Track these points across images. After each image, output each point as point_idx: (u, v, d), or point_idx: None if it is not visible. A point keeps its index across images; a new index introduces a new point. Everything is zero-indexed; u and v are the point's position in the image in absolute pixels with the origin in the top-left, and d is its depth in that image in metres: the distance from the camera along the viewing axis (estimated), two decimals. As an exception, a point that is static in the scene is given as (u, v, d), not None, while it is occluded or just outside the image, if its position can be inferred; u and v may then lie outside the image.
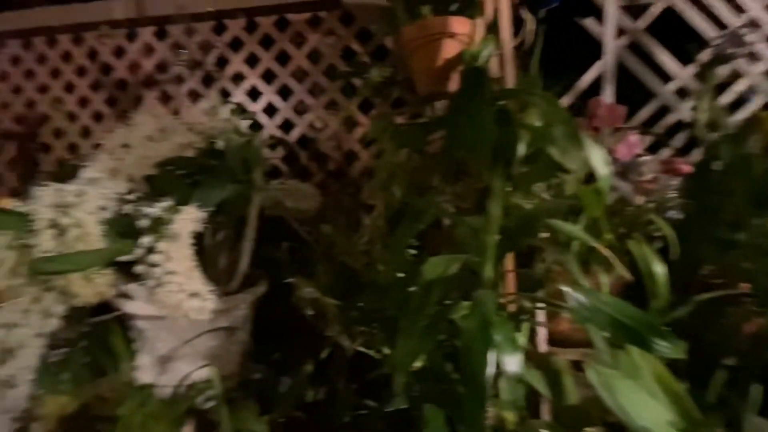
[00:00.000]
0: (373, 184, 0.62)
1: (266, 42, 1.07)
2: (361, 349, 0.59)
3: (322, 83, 1.06)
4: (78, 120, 1.19)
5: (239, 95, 1.10)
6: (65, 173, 0.86)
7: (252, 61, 1.09)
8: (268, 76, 1.09)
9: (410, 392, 0.44)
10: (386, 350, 0.57)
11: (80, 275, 0.46)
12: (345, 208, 1.02)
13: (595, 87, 0.91)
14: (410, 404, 0.46)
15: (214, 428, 0.79)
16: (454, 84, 0.58)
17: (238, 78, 1.11)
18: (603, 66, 0.86)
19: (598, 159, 0.42)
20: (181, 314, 0.46)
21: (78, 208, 0.47)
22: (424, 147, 0.61)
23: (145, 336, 0.72)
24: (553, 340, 0.63)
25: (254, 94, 1.10)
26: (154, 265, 0.46)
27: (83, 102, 1.19)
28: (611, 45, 0.86)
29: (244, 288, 0.77)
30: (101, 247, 0.47)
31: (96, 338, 0.77)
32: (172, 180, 0.60)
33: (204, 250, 0.67)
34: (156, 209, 0.50)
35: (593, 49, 0.90)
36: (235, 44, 1.09)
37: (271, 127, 1.10)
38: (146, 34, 1.12)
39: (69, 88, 1.19)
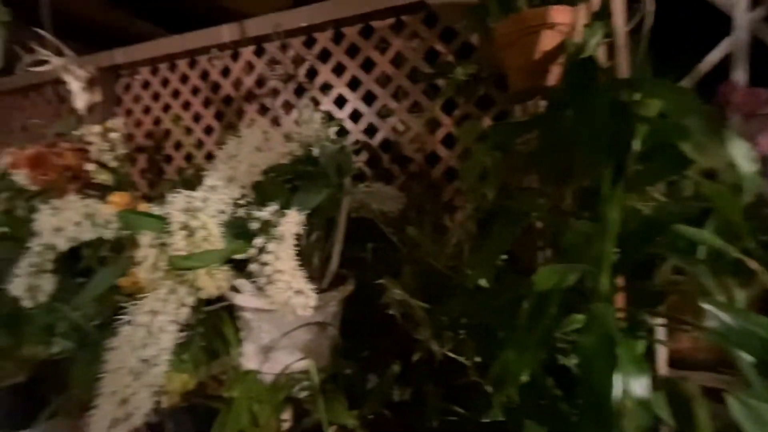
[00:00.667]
0: (461, 185, 0.61)
1: (352, 51, 1.12)
2: (450, 354, 0.59)
3: (405, 87, 1.07)
4: (193, 133, 1.36)
5: (327, 103, 1.16)
6: (186, 181, 0.99)
7: (339, 70, 1.14)
8: (354, 84, 1.13)
9: (508, 405, 0.42)
10: (477, 358, 0.56)
11: (205, 271, 0.53)
12: (428, 210, 1.02)
13: (719, 70, 0.79)
14: (507, 418, 0.44)
15: (308, 416, 0.85)
16: (553, 78, 0.55)
17: (325, 87, 1.18)
18: (733, 43, 0.74)
19: (741, 154, 0.36)
20: (288, 310, 0.50)
21: (203, 212, 0.54)
22: (517, 146, 0.59)
23: (250, 326, 0.80)
24: (671, 361, 0.56)
25: (340, 101, 1.16)
26: (264, 264, 0.51)
27: (197, 118, 1.36)
28: (744, 18, 0.73)
29: (333, 286, 0.81)
30: (221, 247, 0.53)
31: (210, 325, 0.88)
32: (276, 186, 0.66)
33: (300, 251, 0.72)
34: (264, 213, 0.55)
35: (716, 25, 0.78)
36: (324, 55, 1.15)
37: (355, 132, 1.14)
38: (247, 53, 1.24)
39: (186, 106, 1.37)
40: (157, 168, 1.45)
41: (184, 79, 1.35)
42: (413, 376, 0.72)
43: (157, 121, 1.43)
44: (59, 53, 1.23)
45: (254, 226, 0.56)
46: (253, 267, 0.53)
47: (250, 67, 1.25)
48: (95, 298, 0.63)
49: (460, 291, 0.58)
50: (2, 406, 0.95)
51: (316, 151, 0.71)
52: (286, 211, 0.56)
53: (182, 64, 1.34)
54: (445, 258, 0.70)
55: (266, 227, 0.54)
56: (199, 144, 1.37)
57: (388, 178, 1.12)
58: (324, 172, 0.69)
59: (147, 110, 1.43)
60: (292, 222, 0.55)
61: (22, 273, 0.64)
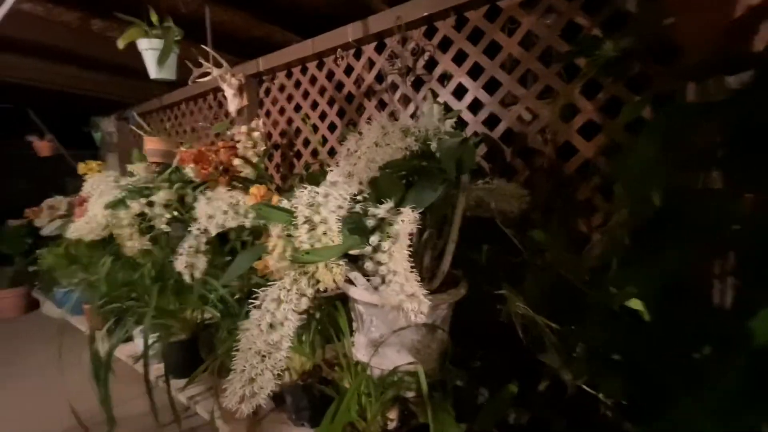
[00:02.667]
0: (617, 186, 0.50)
1: (474, 36, 1.04)
2: (585, 388, 0.49)
3: (536, 70, 0.95)
4: (318, 130, 1.46)
5: (446, 95, 1.11)
6: (311, 176, 1.06)
7: (459, 58, 1.08)
8: (475, 71, 1.06)
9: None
10: (622, 399, 0.45)
11: (324, 264, 0.54)
12: (558, 211, 0.89)
13: None
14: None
15: (414, 418, 0.83)
16: (761, 41, 0.40)
17: (444, 78, 1.13)
18: None
19: None
20: (401, 313, 0.48)
21: (324, 207, 0.55)
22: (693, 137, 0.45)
23: (362, 318, 0.81)
24: None
25: (459, 92, 1.10)
26: (379, 263, 0.50)
27: (323, 116, 1.45)
28: None
29: (444, 287, 0.77)
30: (339, 242, 0.54)
31: (326, 312, 0.92)
32: (391, 182, 0.64)
33: (411, 248, 0.70)
34: (380, 210, 0.53)
35: None
36: (444, 44, 1.10)
37: (475, 123, 1.07)
38: (369, 49, 1.26)
39: (314, 105, 1.47)
40: (289, 163, 1.61)
41: (313, 80, 1.45)
42: (534, 399, 0.63)
43: (289, 121, 1.57)
44: (218, 65, 1.44)
45: (370, 222, 0.55)
46: (367, 265, 0.52)
47: (371, 63, 1.28)
48: (236, 277, 0.70)
49: (601, 314, 0.48)
50: (172, 358, 1.17)
51: (434, 146, 0.67)
52: (401, 208, 0.54)
53: (312, 67, 1.45)
54: (582, 271, 0.59)
55: (382, 225, 0.53)
56: (324, 140, 1.47)
57: (510, 173, 1.02)
58: (441, 167, 0.65)
59: (282, 111, 1.59)
60: (407, 221, 0.52)
61: (183, 252, 0.75)
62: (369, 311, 0.79)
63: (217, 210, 0.76)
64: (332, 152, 1.44)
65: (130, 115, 2.42)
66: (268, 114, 1.65)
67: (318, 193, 0.55)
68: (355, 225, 0.59)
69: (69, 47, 1.56)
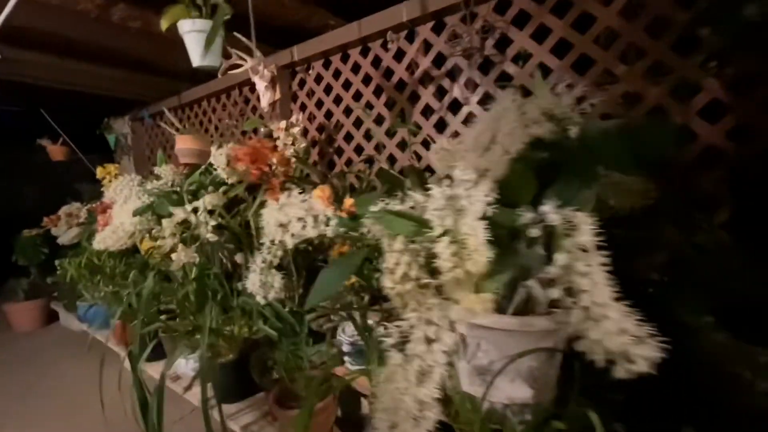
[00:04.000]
0: None
1: (560, 8, 0.91)
2: None
3: (641, 42, 0.81)
4: (363, 124, 1.33)
5: (521, 76, 0.98)
6: (385, 175, 0.93)
7: (540, 35, 0.94)
8: (561, 48, 0.92)
9: None
10: None
11: (474, 289, 0.42)
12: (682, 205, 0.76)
13: None
14: None
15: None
16: None
17: (519, 58, 1.00)
18: None
19: None
20: (621, 362, 0.35)
21: (467, 214, 0.42)
22: None
23: (465, 341, 0.69)
24: None
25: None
26: (569, 291, 0.37)
27: (368, 107, 1.32)
28: None
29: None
30: (485, 259, 0.41)
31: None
32: (525, 178, 0.51)
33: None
34: (554, 215, 0.40)
35: None
36: (520, 20, 0.97)
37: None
38: (425, 30, 1.13)
39: (357, 96, 1.34)
40: (328, 161, 1.48)
41: (356, 68, 1.32)
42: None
43: (328, 114, 1.44)
44: (250, 55, 1.31)
45: (533, 232, 0.42)
46: (552, 293, 0.39)
47: (426, 46, 1.14)
48: (325, 298, 0.58)
49: None
50: (218, 380, 1.05)
51: (573, 133, 0.54)
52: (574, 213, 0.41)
53: (354, 53, 1.31)
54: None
55: (554, 235, 0.40)
56: (367, 135, 1.34)
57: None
58: (586, 159, 0.52)
59: (319, 104, 1.46)
60: (586, 227, 0.39)
61: (255, 269, 0.63)
62: (475, 333, 0.66)
63: (291, 218, 0.64)
64: (381, 148, 1.31)
65: (145, 114, 2.30)
66: (302, 108, 1.52)
67: (459, 195, 0.43)
68: (496, 235, 0.46)
69: (85, 39, 1.43)
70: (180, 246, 0.90)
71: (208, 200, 0.93)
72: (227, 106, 1.86)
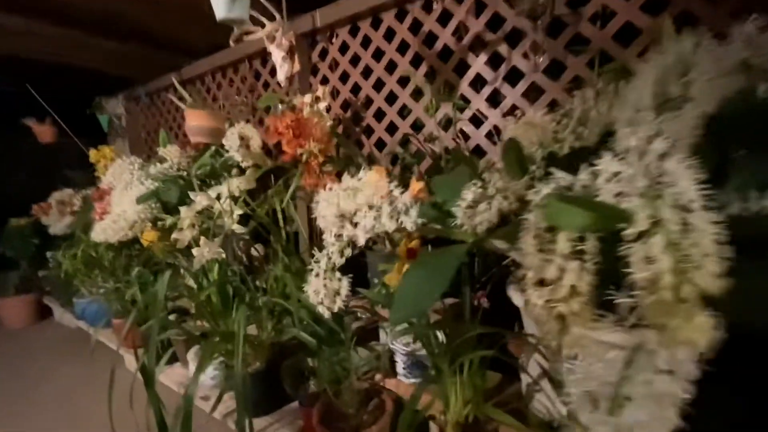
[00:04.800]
0: None
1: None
2: None
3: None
4: (398, 99, 1.18)
5: (602, 40, 0.83)
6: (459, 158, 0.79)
7: (628, -13, 0.79)
8: (653, 6, 0.78)
9: None
10: None
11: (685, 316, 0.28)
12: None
13: None
14: None
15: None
16: None
17: (597, 17, 0.85)
18: None
19: None
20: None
21: (665, 198, 0.28)
22: None
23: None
24: None
25: (627, 34, 0.81)
26: None
27: (403, 80, 1.16)
28: None
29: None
30: (717, 263, 0.27)
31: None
32: (712, 148, 0.37)
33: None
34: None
35: None
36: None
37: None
38: (479, -13, 0.97)
39: (390, 67, 1.18)
40: (355, 141, 1.33)
41: (390, 35, 1.16)
42: None
43: (355, 89, 1.28)
44: (268, 18, 1.14)
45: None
46: None
47: (479, 6, 0.99)
48: (418, 313, 0.44)
49: None
50: (245, 391, 0.92)
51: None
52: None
53: (389, 17, 1.15)
54: None
55: None
56: (402, 112, 1.19)
57: None
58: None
59: (344, 77, 1.30)
60: None
61: (319, 273, 0.49)
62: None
63: (363, 205, 0.50)
64: (417, 126, 1.16)
65: (141, 93, 2.11)
66: (324, 82, 1.36)
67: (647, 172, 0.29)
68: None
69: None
70: (202, 239, 0.75)
71: (235, 184, 0.78)
72: (235, 82, 1.68)
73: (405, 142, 1.17)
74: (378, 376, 0.83)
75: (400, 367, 0.78)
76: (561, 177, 0.37)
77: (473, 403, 0.64)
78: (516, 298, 0.60)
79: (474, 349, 0.63)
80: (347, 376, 0.81)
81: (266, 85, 1.57)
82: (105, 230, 1.17)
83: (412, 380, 0.78)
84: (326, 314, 0.49)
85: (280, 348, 0.97)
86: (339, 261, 0.50)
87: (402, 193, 0.51)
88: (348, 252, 0.49)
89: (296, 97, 1.11)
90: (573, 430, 0.49)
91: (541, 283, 0.35)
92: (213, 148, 1.35)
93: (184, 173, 1.38)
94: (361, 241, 0.49)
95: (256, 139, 1.35)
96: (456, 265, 0.45)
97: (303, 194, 1.04)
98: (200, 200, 0.73)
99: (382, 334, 1.01)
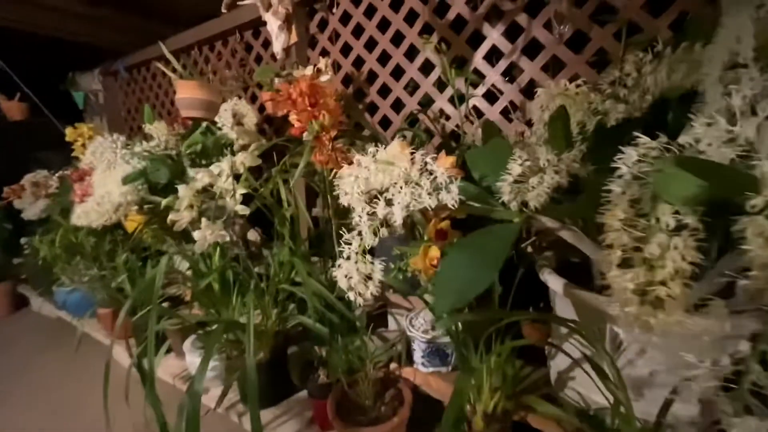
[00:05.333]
0: None
1: None
2: None
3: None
4: (405, 73, 1.11)
5: (631, 9, 0.78)
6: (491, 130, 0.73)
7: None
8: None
9: None
10: None
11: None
12: None
13: None
14: None
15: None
16: None
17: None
18: None
19: None
20: None
21: None
22: None
23: (614, 342, 0.53)
24: None
25: (656, 5, 0.77)
26: None
27: (410, 53, 1.09)
28: None
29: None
30: None
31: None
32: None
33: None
34: None
35: None
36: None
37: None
38: (498, -51, 0.90)
39: (396, 39, 1.11)
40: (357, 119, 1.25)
41: (396, 3, 1.08)
42: None
43: (358, 62, 1.20)
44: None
45: None
46: None
47: (496, -29, 0.92)
48: (466, 301, 0.39)
49: None
50: (247, 384, 0.86)
51: None
52: None
53: (396, -17, 1.07)
54: None
55: None
56: (410, 87, 1.12)
57: None
58: None
59: (346, 50, 1.22)
60: None
61: (351, 256, 0.43)
62: (641, 336, 0.50)
63: (399, 180, 0.44)
64: (426, 102, 1.09)
65: (121, 67, 1.96)
66: (323, 54, 1.27)
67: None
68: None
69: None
70: (204, 221, 0.68)
71: (240, 160, 0.70)
72: (224, 56, 1.57)
73: (413, 120, 1.11)
74: (393, 365, 0.78)
75: (417, 356, 0.74)
76: (647, 142, 0.32)
77: (502, 392, 0.60)
78: (553, 281, 0.56)
79: (503, 336, 0.59)
80: (362, 365, 0.76)
81: (258, 59, 1.47)
82: (88, 213, 1.08)
83: (431, 369, 0.74)
84: (358, 301, 0.44)
85: (284, 337, 0.92)
86: (371, 242, 0.44)
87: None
88: (384, 232, 0.44)
89: (296, 70, 1.03)
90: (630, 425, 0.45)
91: (625, 263, 0.31)
92: (204, 125, 1.25)
93: (173, 152, 1.29)
94: (399, 220, 0.43)
95: (250, 116, 1.26)
96: (507, 247, 0.41)
97: (306, 173, 0.97)
98: (202, 177, 0.66)
99: (390, 321, 0.97)
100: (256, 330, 0.86)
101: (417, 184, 0.44)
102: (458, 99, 1.00)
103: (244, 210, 0.72)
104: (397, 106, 1.15)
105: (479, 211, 0.48)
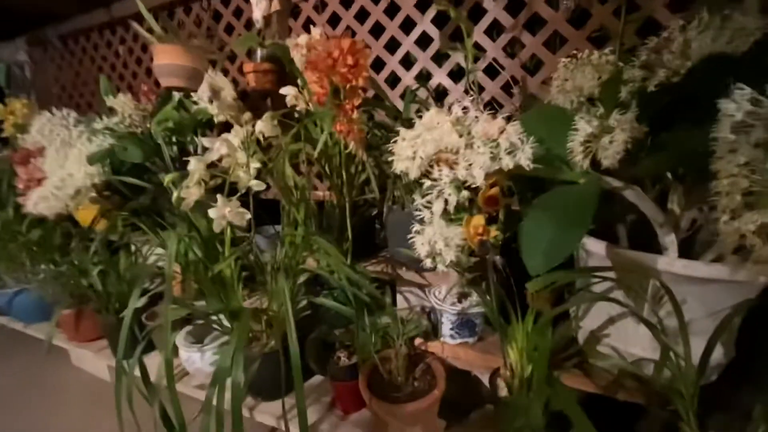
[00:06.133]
0: None
1: None
2: None
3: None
4: (400, 47, 1.07)
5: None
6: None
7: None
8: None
9: None
10: None
11: None
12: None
13: None
14: None
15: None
16: None
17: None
18: None
19: None
20: None
21: None
22: None
23: (657, 298, 0.56)
24: None
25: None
26: None
27: (406, 25, 1.06)
28: None
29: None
30: None
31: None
32: None
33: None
34: None
35: None
36: None
37: None
38: None
39: (391, 10, 1.07)
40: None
41: (391, -28, 1.04)
42: None
43: (349, 34, 1.15)
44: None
45: None
46: None
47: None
48: (556, 262, 0.39)
49: None
50: (257, 376, 0.81)
51: None
52: None
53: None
54: None
55: None
56: (407, 61, 1.09)
57: None
58: None
59: (335, 20, 1.15)
60: None
61: (433, 221, 0.41)
62: (682, 288, 0.54)
63: (477, 141, 0.42)
64: (423, 77, 1.07)
65: (53, 36, 1.70)
66: (308, 25, 1.19)
67: None
68: None
69: None
70: (220, 198, 0.61)
71: (259, 127, 0.64)
72: (186, 25, 1.42)
73: (411, 96, 1.08)
74: (419, 340, 0.77)
75: (446, 329, 0.74)
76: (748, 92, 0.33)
77: (538, 360, 0.62)
78: (592, 244, 0.58)
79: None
80: (389, 343, 0.74)
81: (229, 30, 1.35)
82: (46, 199, 0.93)
83: (459, 341, 0.74)
84: (441, 267, 0.42)
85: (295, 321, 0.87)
86: (454, 202, 0.42)
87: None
88: (465, 194, 0.42)
89: (289, 39, 0.95)
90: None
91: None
92: (177, 98, 1.13)
93: (138, 129, 1.15)
94: (479, 181, 0.42)
95: (228, 89, 1.16)
96: (593, 206, 0.41)
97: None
98: (219, 147, 0.58)
99: (399, 299, 0.95)
100: (270, 316, 0.81)
101: (495, 143, 0.43)
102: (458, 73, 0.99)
103: (259, 185, 0.66)
104: (393, 81, 1.11)
105: (544, 173, 0.47)
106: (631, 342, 0.60)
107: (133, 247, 1.07)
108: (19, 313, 1.23)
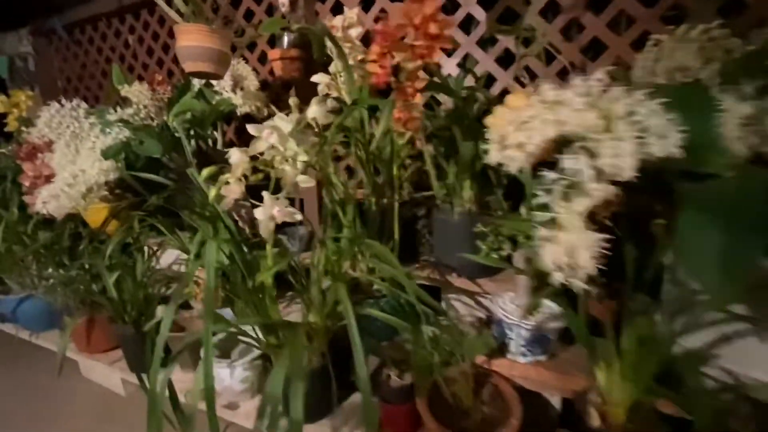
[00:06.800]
0: None
1: None
2: None
3: None
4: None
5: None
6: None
7: None
8: None
9: None
10: None
11: None
12: None
13: None
14: None
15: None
16: None
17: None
18: None
19: None
20: None
21: None
22: None
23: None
24: None
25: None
26: None
27: (449, 7, 0.97)
28: None
29: None
30: None
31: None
32: None
33: None
34: None
35: None
36: None
37: None
38: None
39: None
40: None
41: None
42: None
43: (379, 19, 1.05)
44: None
45: None
46: None
47: None
48: (735, 277, 0.30)
49: None
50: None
51: None
52: None
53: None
54: None
55: None
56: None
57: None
58: None
59: (367, 3, 1.06)
60: None
61: (564, 223, 0.32)
62: None
63: (616, 123, 0.33)
64: (463, 64, 0.98)
65: (57, 25, 1.61)
66: (336, 8, 1.10)
67: None
68: None
69: None
70: (266, 196, 0.52)
71: (312, 113, 0.55)
72: (203, 12, 1.32)
73: (460, 82, 0.99)
74: (480, 357, 0.69)
75: (515, 345, 0.65)
76: None
77: (637, 384, 0.53)
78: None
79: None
80: (448, 361, 0.66)
81: (249, 15, 1.26)
82: (58, 197, 0.84)
83: (530, 359, 0.65)
84: (577, 284, 0.33)
85: (333, 335, 0.78)
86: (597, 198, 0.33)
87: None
88: (612, 189, 0.33)
89: (325, 19, 0.86)
90: None
91: None
92: (197, 87, 1.04)
93: (155, 122, 1.06)
94: (628, 173, 0.33)
95: (251, 78, 1.08)
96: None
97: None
98: (267, 137, 0.49)
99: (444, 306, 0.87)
100: (312, 329, 0.72)
101: (640, 126, 0.34)
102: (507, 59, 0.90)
103: (308, 182, 0.57)
104: (430, 73, 1.02)
105: (689, 164, 0.38)
106: (753, 363, 0.51)
107: (148, 251, 0.98)
108: (24, 321, 1.14)
